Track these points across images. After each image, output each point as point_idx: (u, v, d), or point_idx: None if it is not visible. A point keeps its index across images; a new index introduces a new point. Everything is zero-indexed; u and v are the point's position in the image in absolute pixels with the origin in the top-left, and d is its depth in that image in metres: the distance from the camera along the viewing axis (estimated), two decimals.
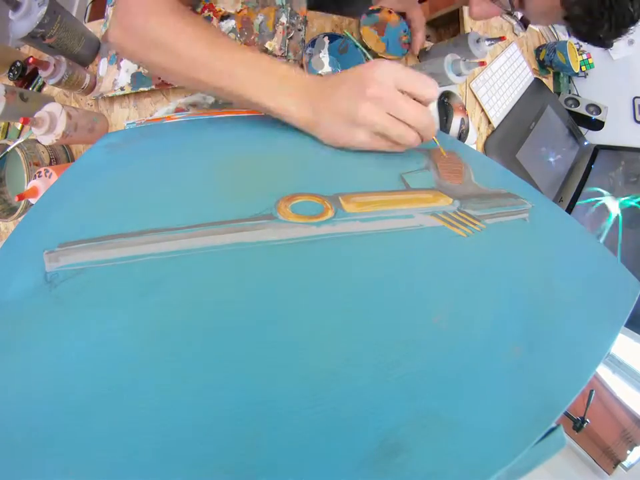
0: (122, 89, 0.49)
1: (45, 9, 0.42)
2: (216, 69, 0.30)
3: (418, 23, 0.59)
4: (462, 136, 0.65)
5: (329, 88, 0.30)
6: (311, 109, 0.30)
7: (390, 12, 0.59)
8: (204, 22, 0.33)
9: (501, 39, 0.55)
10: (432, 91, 0.29)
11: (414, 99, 0.29)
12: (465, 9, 0.73)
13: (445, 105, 0.64)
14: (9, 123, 0.56)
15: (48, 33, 0.44)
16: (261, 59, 0.31)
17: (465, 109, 0.66)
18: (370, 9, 0.58)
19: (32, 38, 0.43)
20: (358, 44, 0.55)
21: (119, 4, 0.34)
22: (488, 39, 0.57)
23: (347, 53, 0.55)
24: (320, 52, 0.53)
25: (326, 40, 0.54)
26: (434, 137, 0.32)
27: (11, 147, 0.46)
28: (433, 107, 0.57)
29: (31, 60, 0.44)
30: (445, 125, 0.64)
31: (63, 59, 0.48)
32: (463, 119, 0.64)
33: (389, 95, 0.28)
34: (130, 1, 0.33)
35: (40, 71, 0.47)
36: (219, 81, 0.30)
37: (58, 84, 0.48)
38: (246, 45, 0.48)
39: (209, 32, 0.32)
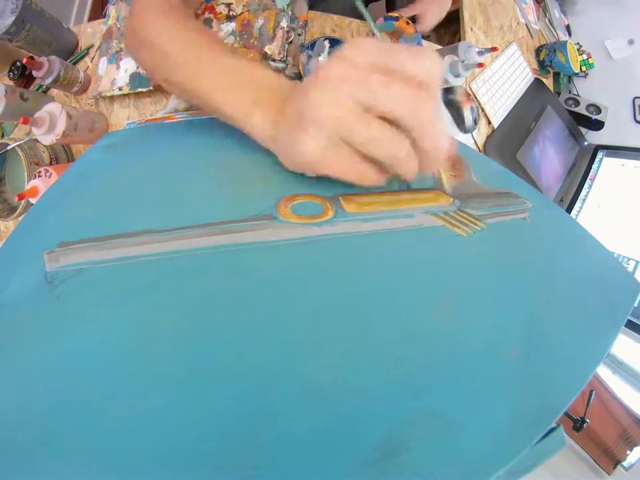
0: (120, 89, 0.49)
1: (13, 18, 0.43)
2: (186, 71, 0.28)
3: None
4: (476, 122, 0.64)
5: (297, 91, 0.22)
6: (273, 120, 0.23)
7: (408, 23, 0.58)
8: (197, 25, 0.32)
9: (492, 49, 0.54)
10: (430, 63, 0.19)
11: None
12: (466, 8, 0.73)
13: (452, 101, 0.64)
14: None
15: (14, 38, 0.45)
16: (237, 65, 0.26)
17: (468, 94, 0.66)
18: (389, 14, 0.57)
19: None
20: None
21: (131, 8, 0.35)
22: (479, 51, 0.56)
23: None
24: (319, 55, 0.52)
25: (326, 43, 0.53)
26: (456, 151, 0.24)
27: (11, 146, 0.46)
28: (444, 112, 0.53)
29: (24, 61, 0.45)
30: (458, 121, 0.63)
31: (56, 57, 0.48)
32: (472, 107, 0.64)
33: (355, 73, 0.18)
34: (135, 3, 0.34)
35: (34, 72, 0.47)
36: (188, 81, 0.28)
37: (54, 83, 0.48)
38: (245, 49, 0.48)
39: (197, 35, 0.29)
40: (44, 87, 0.54)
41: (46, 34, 0.49)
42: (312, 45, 0.52)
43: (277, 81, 0.25)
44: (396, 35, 0.59)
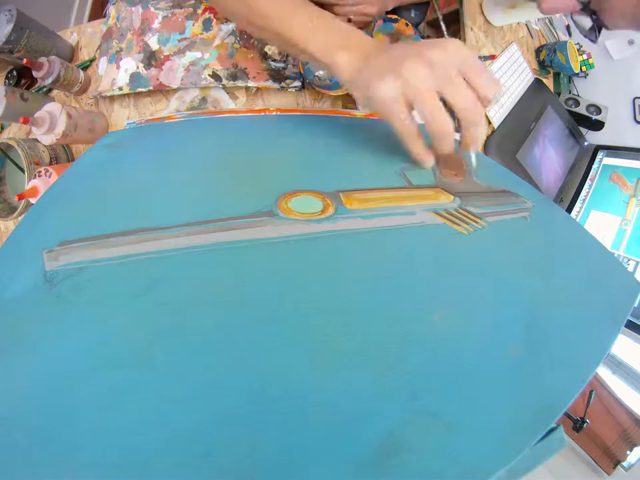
0: (120, 88, 0.49)
1: (11, 26, 0.43)
2: (280, 24, 0.31)
3: None
4: None
5: (392, 49, 0.27)
6: (360, 61, 0.28)
7: (407, 25, 0.58)
8: None
9: (491, 57, 0.53)
10: (495, 88, 0.26)
11: None
12: (466, 8, 0.73)
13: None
14: None
15: (15, 48, 0.45)
16: (329, 18, 0.31)
17: None
18: (388, 16, 0.57)
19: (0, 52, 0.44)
20: None
21: None
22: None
23: None
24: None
25: None
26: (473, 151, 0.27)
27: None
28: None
29: (25, 61, 0.45)
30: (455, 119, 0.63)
31: (55, 57, 0.48)
32: None
33: (448, 69, 0.24)
34: None
35: (34, 72, 0.47)
36: (282, 32, 0.31)
37: (55, 83, 0.48)
38: (245, 49, 0.48)
39: None
40: (45, 89, 0.54)
41: (45, 40, 0.49)
42: None
43: (364, 38, 0.30)
44: (395, 37, 0.58)
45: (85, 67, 0.54)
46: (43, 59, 0.47)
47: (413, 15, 0.70)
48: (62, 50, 0.53)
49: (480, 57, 0.53)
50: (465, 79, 0.25)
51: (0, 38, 0.43)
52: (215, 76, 0.47)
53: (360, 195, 0.24)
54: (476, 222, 0.25)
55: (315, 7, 0.32)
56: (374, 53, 0.28)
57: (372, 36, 0.54)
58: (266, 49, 0.48)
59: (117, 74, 0.49)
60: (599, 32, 0.54)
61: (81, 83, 0.51)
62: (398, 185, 0.26)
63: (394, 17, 0.57)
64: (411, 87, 0.25)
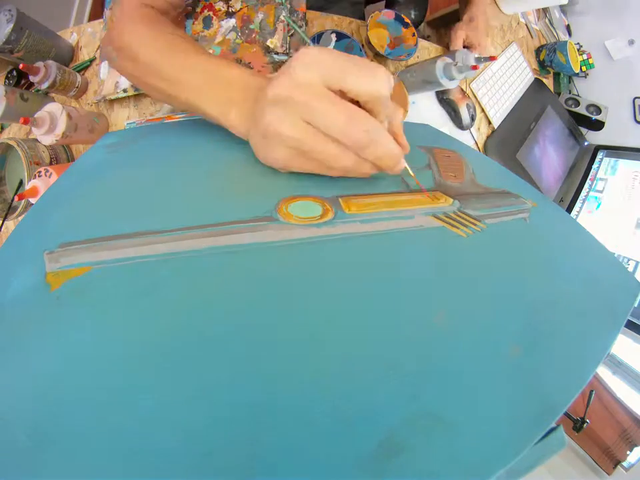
0: (125, 90, 0.49)
1: (11, 26, 0.43)
2: (165, 75, 0.29)
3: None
4: (473, 118, 0.65)
5: (260, 99, 0.23)
6: (246, 118, 0.24)
7: (413, 35, 0.58)
8: (174, 31, 0.32)
9: (491, 58, 0.52)
10: (378, 83, 0.20)
11: (358, 102, 0.20)
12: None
13: (447, 101, 0.64)
14: None
15: (15, 48, 0.45)
16: (209, 63, 0.27)
17: (464, 92, 0.65)
18: (402, 17, 0.57)
19: (0, 52, 0.44)
20: (361, 49, 0.54)
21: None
22: (476, 57, 0.52)
23: (351, 53, 0.54)
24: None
25: (333, 37, 0.52)
26: (405, 165, 0.23)
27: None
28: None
29: (21, 66, 0.45)
30: (455, 119, 0.64)
31: (52, 62, 0.48)
32: (468, 104, 0.64)
33: (301, 95, 0.19)
34: (116, 13, 0.36)
35: (30, 77, 0.47)
36: (168, 87, 0.29)
37: (51, 87, 0.48)
38: (248, 44, 0.48)
39: (173, 40, 0.30)
40: (41, 91, 0.54)
41: (45, 40, 0.49)
42: (318, 38, 0.51)
43: (250, 80, 0.25)
44: (397, 41, 0.59)
45: (85, 66, 0.54)
46: (39, 64, 0.47)
47: (412, 15, 0.70)
48: (62, 50, 0.53)
49: (480, 58, 0.52)
50: (341, 90, 0.20)
51: (0, 38, 0.43)
52: None
53: (359, 199, 0.24)
54: (474, 224, 0.25)
55: (199, 48, 0.29)
56: (257, 100, 0.23)
57: (367, 29, 0.54)
58: (268, 43, 0.48)
59: (119, 76, 0.50)
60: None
61: (77, 86, 0.51)
62: (397, 190, 0.26)
63: (407, 20, 0.57)
64: (288, 142, 0.21)
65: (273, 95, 0.20)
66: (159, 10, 0.36)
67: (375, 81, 0.20)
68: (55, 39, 0.52)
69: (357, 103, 0.21)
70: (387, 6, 0.80)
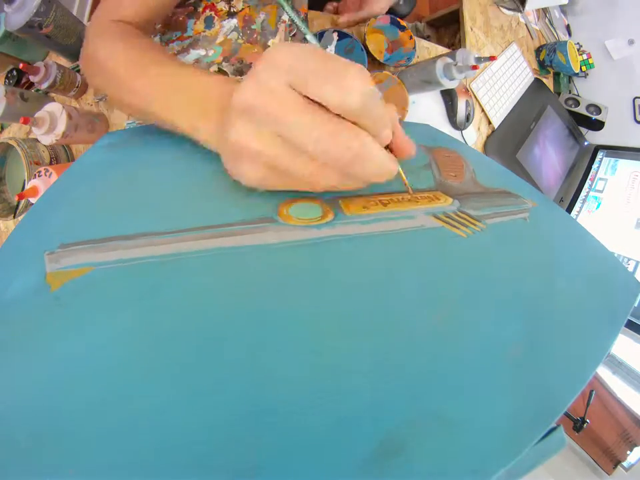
0: None
1: None
2: (133, 88, 0.27)
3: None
4: (469, 118, 0.65)
5: (226, 112, 0.20)
6: (216, 130, 0.22)
7: (411, 37, 0.58)
8: (146, 44, 0.31)
9: (491, 58, 0.52)
10: (349, 94, 0.16)
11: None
12: (466, 8, 0.73)
13: (449, 90, 0.64)
14: None
15: (45, 21, 0.44)
16: (179, 75, 0.25)
17: (467, 90, 0.65)
18: (397, 19, 0.57)
19: (29, 28, 0.43)
20: (362, 49, 0.54)
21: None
22: (476, 57, 0.52)
23: (352, 54, 0.54)
24: (327, 47, 0.51)
25: (335, 36, 0.52)
26: (400, 171, 0.21)
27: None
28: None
29: (21, 66, 0.44)
30: (451, 109, 0.64)
31: (52, 62, 0.48)
32: (467, 101, 0.64)
33: (267, 103, 0.16)
34: (88, 28, 0.35)
35: (30, 77, 0.47)
36: (139, 102, 0.27)
37: (51, 87, 0.48)
38: (249, 44, 0.48)
39: (143, 53, 0.29)
40: (41, 91, 0.54)
41: (71, 17, 0.48)
42: (320, 36, 0.51)
43: (224, 87, 0.23)
44: (395, 45, 0.59)
45: None
46: (39, 64, 0.47)
47: (401, 2, 0.69)
48: (83, 34, 0.52)
49: (480, 58, 0.52)
50: (310, 93, 0.16)
51: (30, 9, 0.42)
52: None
53: (359, 200, 0.24)
54: (474, 224, 0.25)
55: (173, 60, 0.28)
56: (224, 109, 0.20)
57: (365, 35, 0.54)
58: (269, 43, 0.48)
59: None
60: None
61: (77, 86, 0.51)
62: (397, 190, 0.26)
63: (403, 23, 0.57)
64: (260, 158, 0.18)
65: (237, 102, 0.17)
66: (131, 24, 0.35)
67: (340, 90, 0.16)
68: (78, 22, 0.51)
69: None
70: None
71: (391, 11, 0.60)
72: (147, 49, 0.30)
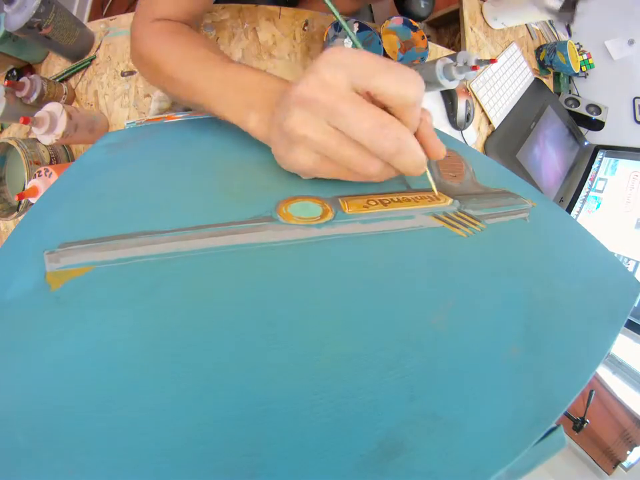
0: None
1: None
2: (185, 84, 0.30)
3: None
4: (469, 118, 0.65)
5: (282, 101, 0.22)
6: (265, 123, 0.24)
7: (423, 37, 0.58)
8: (193, 39, 0.34)
9: (491, 61, 0.52)
10: (409, 87, 0.18)
11: (385, 107, 0.19)
12: (466, 8, 0.73)
13: (449, 90, 0.64)
14: None
15: (44, 22, 0.44)
16: (228, 70, 0.28)
17: (467, 90, 0.65)
18: (410, 20, 0.57)
19: (29, 29, 0.43)
20: (380, 42, 0.53)
21: (133, 20, 0.38)
22: (477, 59, 0.52)
23: (370, 47, 0.54)
24: (345, 37, 0.51)
25: (356, 26, 0.52)
26: (427, 170, 0.22)
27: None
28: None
29: (6, 83, 0.45)
30: (451, 109, 0.64)
31: (36, 76, 0.48)
32: (467, 101, 0.64)
33: (326, 97, 0.18)
34: (134, 29, 0.37)
35: (17, 93, 0.47)
36: (190, 96, 0.30)
37: (39, 99, 0.47)
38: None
39: (190, 50, 0.32)
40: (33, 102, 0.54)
41: (71, 17, 0.48)
42: (338, 26, 0.51)
43: (271, 84, 0.25)
44: (407, 45, 0.59)
45: (86, 65, 0.54)
46: (24, 79, 0.47)
47: (422, 5, 0.69)
48: (84, 36, 0.52)
49: (480, 60, 0.52)
50: (369, 93, 0.19)
51: (30, 9, 0.42)
52: None
53: (359, 199, 0.24)
54: (474, 224, 0.25)
55: (217, 55, 0.30)
56: (278, 103, 0.22)
57: (380, 35, 0.54)
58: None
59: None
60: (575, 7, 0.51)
61: (65, 95, 0.51)
62: (397, 190, 0.26)
63: (415, 24, 0.58)
64: (314, 146, 0.20)
65: (297, 95, 0.19)
66: (177, 20, 0.37)
67: (405, 84, 0.18)
68: (78, 23, 0.51)
69: (384, 107, 0.20)
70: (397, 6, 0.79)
71: (410, 14, 0.60)
72: (194, 45, 0.32)
